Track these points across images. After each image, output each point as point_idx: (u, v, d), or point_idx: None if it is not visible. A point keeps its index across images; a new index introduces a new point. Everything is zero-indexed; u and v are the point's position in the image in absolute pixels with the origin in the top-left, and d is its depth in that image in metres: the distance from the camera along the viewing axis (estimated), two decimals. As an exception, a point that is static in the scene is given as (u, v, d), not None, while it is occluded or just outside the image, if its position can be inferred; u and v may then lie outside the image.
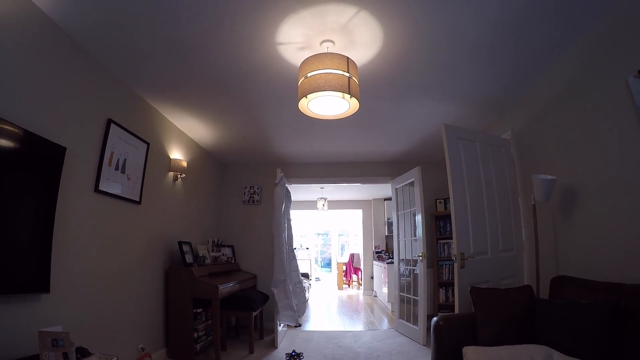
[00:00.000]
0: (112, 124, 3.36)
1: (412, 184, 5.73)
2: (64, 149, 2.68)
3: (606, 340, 2.14)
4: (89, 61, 3.11)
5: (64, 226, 2.77)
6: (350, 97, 2.75)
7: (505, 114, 4.35)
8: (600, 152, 2.78)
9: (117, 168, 3.48)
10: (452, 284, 3.41)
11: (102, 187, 3.24)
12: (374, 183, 7.14)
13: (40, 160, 2.50)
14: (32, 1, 2.45)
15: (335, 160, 6.70)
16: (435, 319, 2.86)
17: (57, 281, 2.66)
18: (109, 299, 3.36)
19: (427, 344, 4.96)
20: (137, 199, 3.83)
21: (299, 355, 4.42)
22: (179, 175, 4.82)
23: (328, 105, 2.94)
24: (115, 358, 2.42)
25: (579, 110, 3.02)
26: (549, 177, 3.14)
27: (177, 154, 4.81)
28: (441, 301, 6.11)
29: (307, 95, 2.70)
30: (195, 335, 4.35)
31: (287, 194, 5.74)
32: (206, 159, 6.02)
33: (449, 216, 5.02)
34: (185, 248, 4.62)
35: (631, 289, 2.21)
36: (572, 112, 3.11)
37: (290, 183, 6.65)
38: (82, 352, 2.38)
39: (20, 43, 2.41)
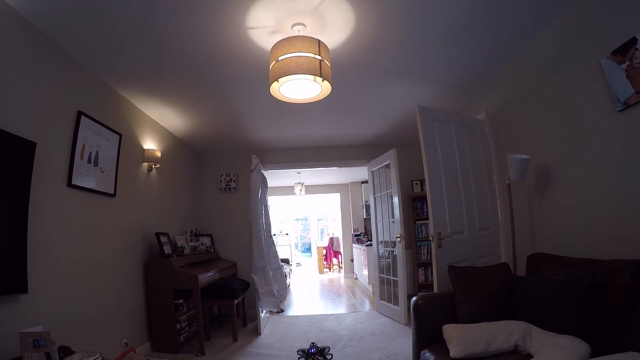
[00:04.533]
0: (82, 116, 3.26)
1: (388, 166, 5.77)
2: (34, 144, 2.60)
3: (582, 314, 2.21)
4: (57, 53, 3.01)
5: (38, 224, 2.70)
6: (322, 81, 2.73)
7: (480, 95, 4.40)
8: (574, 132, 2.85)
9: (89, 161, 3.39)
10: (431, 264, 3.47)
11: (75, 182, 3.16)
12: (350, 166, 7.16)
13: (9, 157, 2.41)
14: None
15: (311, 145, 6.68)
16: (414, 298, 2.91)
17: (35, 280, 2.60)
18: (88, 295, 3.31)
19: (408, 324, 5.06)
20: (112, 192, 3.75)
21: (322, 350, 4.02)
22: (154, 166, 4.73)
23: (300, 89, 2.90)
24: (99, 354, 2.39)
25: (553, 91, 3.07)
26: (523, 156, 3.19)
27: (150, 144, 4.71)
28: (421, 281, 6.22)
29: (279, 79, 2.66)
30: (179, 326, 4.33)
31: (263, 180, 5.71)
32: (181, 148, 5.92)
33: (425, 197, 5.07)
34: (163, 239, 4.56)
35: (606, 265, 2.28)
36: (546, 93, 3.16)
37: (267, 169, 6.62)
38: (65, 350, 2.34)
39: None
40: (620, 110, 2.37)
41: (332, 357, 3.89)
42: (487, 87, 4.18)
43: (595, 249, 2.61)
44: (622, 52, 2.30)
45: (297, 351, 3.97)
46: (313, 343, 4.01)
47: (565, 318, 2.28)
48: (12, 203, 2.44)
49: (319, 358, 3.78)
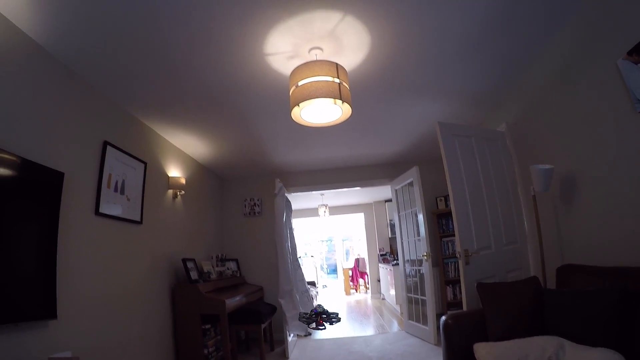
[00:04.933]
0: (108, 146, 3.37)
1: (411, 184, 5.74)
2: (62, 174, 2.68)
3: (616, 326, 2.13)
4: (82, 85, 3.13)
5: (67, 251, 2.76)
6: (342, 103, 2.76)
7: (499, 107, 4.36)
8: (595, 137, 2.79)
9: (116, 189, 3.48)
10: (459, 281, 3.41)
11: (102, 210, 3.24)
12: (373, 186, 7.13)
13: (39, 187, 2.50)
14: (23, 30, 2.47)
15: (333, 166, 6.70)
16: (444, 317, 2.85)
17: (64, 306, 2.65)
18: (116, 320, 3.35)
19: (438, 344, 4.95)
20: (138, 219, 3.82)
21: (329, 315, 3.97)
22: (179, 193, 4.81)
23: (321, 112, 2.94)
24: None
25: (570, 97, 3.03)
26: (547, 166, 3.13)
27: (175, 171, 4.81)
28: (449, 299, 6.09)
29: (299, 104, 2.71)
30: (206, 351, 4.33)
31: (288, 203, 5.74)
32: (204, 175, 6.02)
33: (450, 214, 5.02)
34: (190, 265, 4.60)
35: (636, 272, 2.21)
36: (564, 99, 3.11)
37: (290, 192, 6.65)
38: (93, 376, 2.37)
39: (12, 72, 2.43)
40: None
41: (337, 320, 3.79)
42: (505, 98, 4.15)
43: (627, 256, 2.52)
44: (637, 52, 2.26)
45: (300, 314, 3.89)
46: (319, 305, 3.96)
47: (598, 330, 2.20)
48: (42, 231, 2.52)
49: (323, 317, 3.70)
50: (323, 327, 3.73)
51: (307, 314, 3.79)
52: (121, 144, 3.60)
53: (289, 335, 5.29)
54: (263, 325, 4.94)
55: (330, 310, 3.93)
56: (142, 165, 3.95)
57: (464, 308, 3.30)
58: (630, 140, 2.46)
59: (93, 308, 3.06)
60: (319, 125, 3.17)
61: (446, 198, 6.28)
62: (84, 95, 3.15)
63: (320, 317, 3.73)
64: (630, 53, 2.31)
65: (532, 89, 3.60)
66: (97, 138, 3.30)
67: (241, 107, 3.89)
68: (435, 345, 4.99)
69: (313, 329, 3.72)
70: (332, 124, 3.14)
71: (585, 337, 2.24)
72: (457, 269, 6.00)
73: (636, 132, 2.40)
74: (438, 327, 4.01)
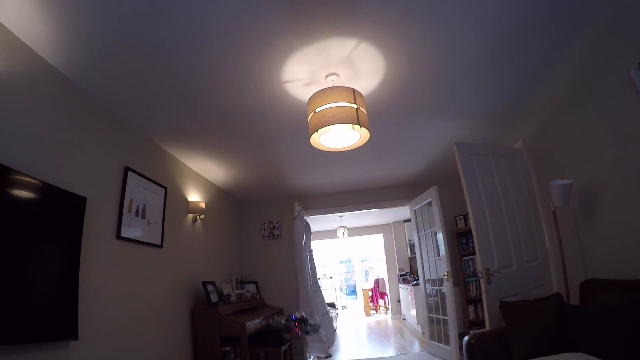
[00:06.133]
0: (129, 171, 3.46)
1: (430, 203, 5.72)
2: (85, 199, 2.76)
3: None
4: (103, 112, 3.23)
5: (89, 274, 2.82)
6: (360, 128, 2.81)
7: (515, 124, 4.36)
8: (613, 149, 2.77)
9: (137, 214, 3.55)
10: (481, 300, 3.37)
11: (123, 234, 3.31)
12: (391, 207, 7.12)
13: (62, 211, 2.58)
14: (47, 60, 2.59)
15: (351, 188, 6.73)
16: (466, 337, 2.83)
17: (85, 328, 2.69)
18: (137, 342, 3.39)
19: (462, 365, 4.86)
20: (159, 243, 3.89)
21: (307, 323, 4.00)
22: (198, 217, 4.88)
23: (339, 136, 2.99)
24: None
25: (586, 110, 3.01)
26: (566, 181, 3.11)
27: (194, 195, 4.89)
28: (471, 318, 5.99)
29: (318, 130, 2.76)
30: (226, 374, 4.33)
31: (307, 226, 5.77)
32: (224, 199, 6.10)
33: (470, 232, 4.99)
34: (210, 288, 4.64)
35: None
36: (579, 113, 3.10)
37: (309, 215, 6.69)
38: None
39: (38, 101, 2.54)
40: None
41: (314, 330, 3.73)
42: (521, 114, 4.14)
43: None
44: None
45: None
46: (299, 311, 3.91)
47: (623, 345, 2.15)
48: (65, 254, 2.59)
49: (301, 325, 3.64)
50: (297, 336, 3.67)
51: (285, 318, 3.75)
52: (142, 169, 3.69)
53: (309, 358, 5.25)
54: (283, 348, 4.91)
55: (312, 322, 3.89)
56: (163, 190, 4.03)
57: (487, 327, 3.25)
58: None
59: (114, 330, 3.10)
60: (338, 150, 3.22)
61: (465, 216, 6.24)
62: (105, 122, 3.26)
63: (297, 323, 3.68)
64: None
65: (547, 103, 3.59)
66: (118, 164, 3.39)
67: (259, 132, 3.97)
68: (458, 366, 4.91)
69: (287, 337, 3.67)
70: (350, 148, 3.19)
71: (610, 353, 2.20)
72: (478, 288, 5.92)
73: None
74: (460, 347, 3.96)
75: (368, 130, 2.87)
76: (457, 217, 6.37)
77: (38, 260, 2.37)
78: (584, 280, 2.87)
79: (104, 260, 3.07)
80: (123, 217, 3.32)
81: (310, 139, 2.91)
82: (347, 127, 2.79)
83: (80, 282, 2.67)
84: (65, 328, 2.51)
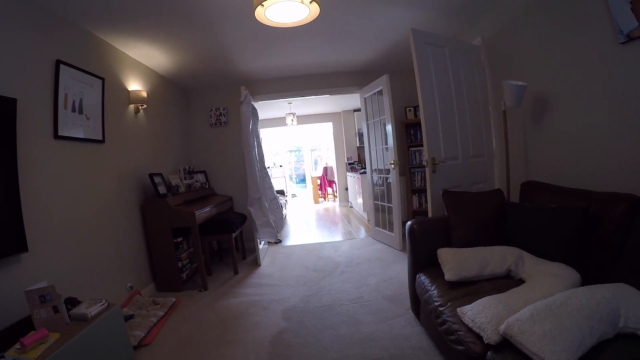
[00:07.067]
0: (61, 64, 3.11)
1: (380, 92, 5.64)
2: (14, 100, 2.51)
3: (575, 243, 2.25)
4: (28, 5, 2.83)
5: (29, 180, 2.66)
6: (310, 2, 2.56)
7: (476, 20, 4.20)
8: (574, 62, 2.76)
9: (74, 110, 3.28)
10: (425, 191, 3.51)
11: (61, 132, 3.08)
12: (342, 94, 6.95)
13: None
14: None
15: (301, 73, 6.47)
16: (409, 222, 2.94)
17: (34, 237, 2.61)
18: (89, 244, 3.34)
19: (403, 250, 5.20)
20: (100, 138, 3.67)
21: None
22: (141, 107, 4.59)
23: (287, 12, 2.70)
24: (105, 301, 2.44)
25: (553, 19, 2.94)
26: (520, 83, 3.12)
27: (135, 85, 4.54)
28: (415, 207, 6.31)
29: (263, 3, 2.48)
30: (180, 264, 4.43)
31: (254, 111, 5.60)
32: (167, 87, 5.72)
33: (419, 124, 5.03)
34: (157, 179, 4.54)
35: (600, 197, 2.29)
36: (547, 20, 3.02)
37: (257, 100, 6.45)
38: (72, 301, 2.38)
39: None
40: (622, 43, 2.30)
41: None
42: (483, 11, 3.97)
43: (589, 180, 2.63)
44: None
45: None
46: None
47: (557, 246, 2.32)
48: (0, 163, 2.39)
49: None
50: None
51: None
52: (75, 61, 3.33)
53: (260, 243, 5.43)
54: (234, 235, 5.03)
55: None
56: (100, 81, 3.69)
57: (429, 215, 3.41)
58: (609, 69, 2.46)
59: (64, 235, 3.03)
60: (284, 26, 2.91)
61: (415, 108, 6.25)
62: (30, 13, 2.85)
63: None
64: (619, -17, 2.22)
65: (513, 4, 3.46)
66: (48, 58, 3.03)
67: (203, 11, 3.60)
68: (400, 251, 5.26)
69: None
70: (298, 24, 2.88)
71: (544, 251, 2.37)
72: (423, 179, 6.15)
73: (616, 63, 2.39)
74: (403, 235, 4.18)
75: (318, 4, 2.60)
76: (407, 108, 6.38)
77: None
78: (526, 181, 3.01)
79: (44, 164, 2.89)
80: (59, 115, 3.07)
81: (255, 12, 2.59)
82: (296, 1, 2.51)
83: (22, 191, 2.53)
84: (13, 241, 2.41)
